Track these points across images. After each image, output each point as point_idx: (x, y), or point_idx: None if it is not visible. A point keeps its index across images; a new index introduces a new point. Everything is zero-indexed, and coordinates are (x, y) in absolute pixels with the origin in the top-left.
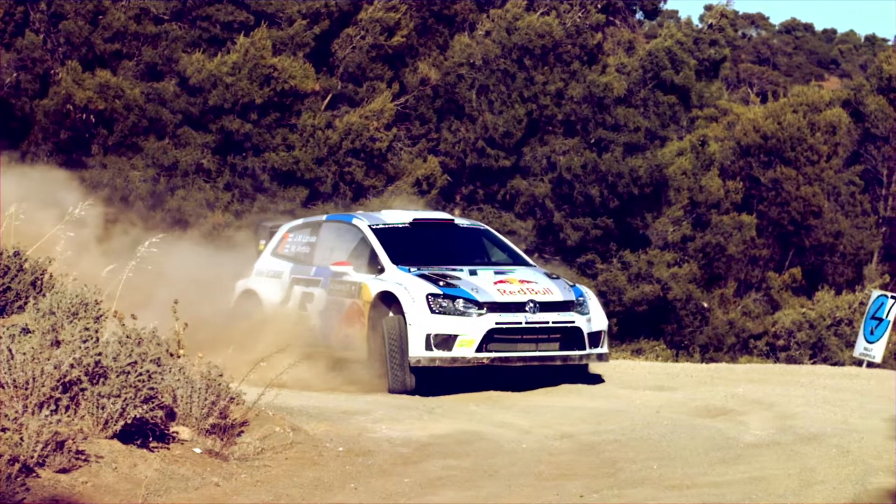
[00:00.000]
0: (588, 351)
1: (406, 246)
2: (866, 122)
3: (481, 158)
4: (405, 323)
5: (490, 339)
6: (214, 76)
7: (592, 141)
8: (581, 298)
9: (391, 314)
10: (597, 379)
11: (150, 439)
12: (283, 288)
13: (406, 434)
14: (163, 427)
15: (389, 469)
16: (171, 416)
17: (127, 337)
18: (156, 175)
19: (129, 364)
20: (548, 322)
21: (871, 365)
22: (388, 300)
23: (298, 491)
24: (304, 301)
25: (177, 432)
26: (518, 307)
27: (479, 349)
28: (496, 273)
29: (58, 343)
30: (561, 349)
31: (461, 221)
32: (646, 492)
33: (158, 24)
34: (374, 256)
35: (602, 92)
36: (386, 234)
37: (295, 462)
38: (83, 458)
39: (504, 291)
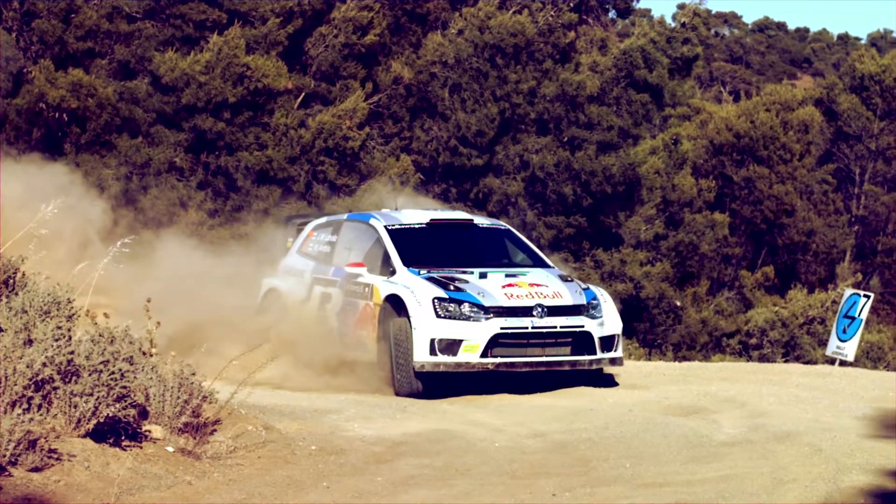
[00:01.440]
0: (599, 356)
1: (421, 247)
2: (839, 120)
3: (454, 157)
4: (410, 327)
5: (495, 344)
6: (187, 75)
7: (565, 139)
8: (594, 301)
9: (398, 317)
10: (606, 380)
11: (123, 438)
12: (305, 287)
13: (379, 432)
14: (135, 426)
15: (362, 467)
16: (143, 414)
17: (100, 335)
18: (128, 173)
19: (101, 363)
20: (555, 327)
21: (843, 363)
22: (395, 303)
23: (271, 489)
24: (323, 301)
25: (149, 431)
26: (525, 312)
27: (483, 354)
28: (507, 276)
29: (30, 342)
30: (569, 354)
31: (481, 221)
32: (618, 490)
33: (131, 23)
34: (386, 258)
35: (575, 90)
36: (401, 235)
37: (267, 461)
38: (56, 456)
39: (511, 295)
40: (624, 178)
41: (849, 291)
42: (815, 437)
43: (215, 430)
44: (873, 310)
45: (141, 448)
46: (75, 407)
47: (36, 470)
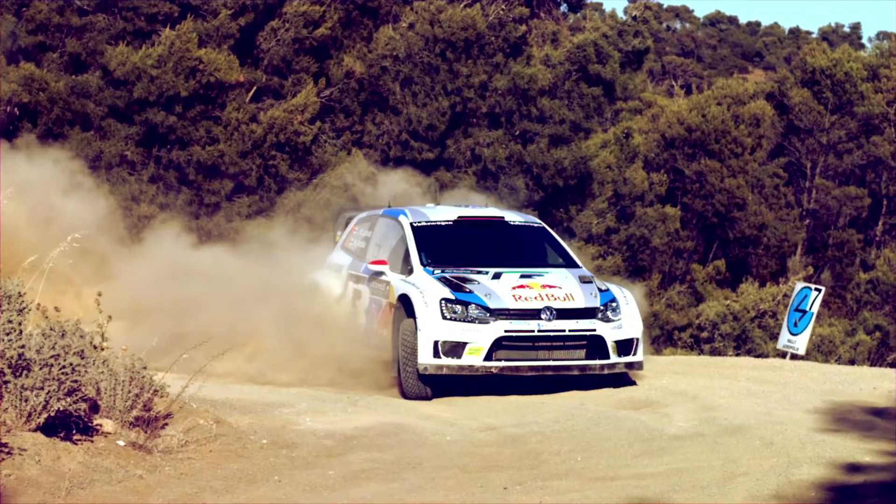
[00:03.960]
0: (613, 360)
1: (444, 245)
2: (790, 114)
3: (405, 151)
4: (416, 328)
5: (499, 347)
6: (139, 69)
7: (517, 133)
8: (612, 304)
9: (407, 318)
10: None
11: (74, 432)
12: (342, 283)
13: (330, 426)
14: (86, 420)
15: (313, 461)
16: (94, 408)
17: (51, 329)
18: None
19: (52, 356)
20: (564, 330)
21: (794, 357)
22: (406, 303)
23: (222, 483)
24: (355, 298)
25: (100, 425)
26: (532, 314)
27: (487, 357)
28: (521, 277)
29: None
30: (578, 358)
31: (513, 218)
32: (570, 483)
33: (83, 16)
34: (407, 256)
35: (526, 84)
36: (425, 233)
37: (219, 454)
38: (6, 450)
39: (519, 297)
40: (575, 172)
41: (800, 285)
42: (767, 431)
43: (166, 424)
44: (824, 303)
45: (92, 442)
46: (26, 401)
47: None
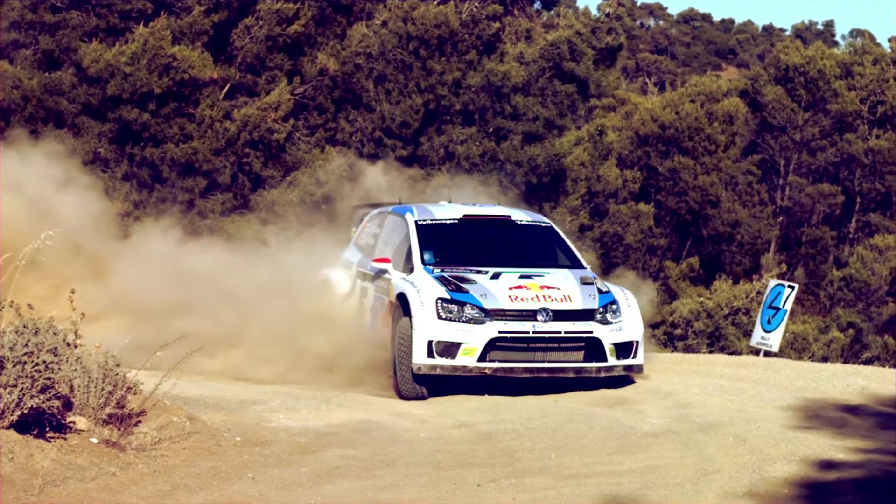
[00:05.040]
0: (611, 363)
1: (448, 244)
2: (764, 111)
3: (379, 148)
4: (411, 327)
5: (492, 348)
6: (112, 66)
7: (490, 130)
8: (613, 306)
9: (403, 317)
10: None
11: (47, 429)
12: (351, 280)
13: (303, 423)
14: (60, 417)
15: (287, 458)
16: (68, 406)
17: (24, 327)
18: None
19: (25, 354)
20: (560, 332)
21: (768, 354)
22: (403, 302)
23: (195, 480)
24: (362, 296)
25: (74, 422)
26: (528, 315)
27: (481, 358)
28: (521, 277)
29: None
30: (574, 360)
31: (520, 217)
32: (543, 481)
33: (56, 13)
34: (409, 254)
35: (500, 81)
36: (429, 231)
37: (192, 452)
38: None
39: (515, 298)
40: (549, 169)
41: (773, 282)
42: (740, 428)
43: (140, 422)
44: (797, 300)
45: (65, 439)
46: None
47: None
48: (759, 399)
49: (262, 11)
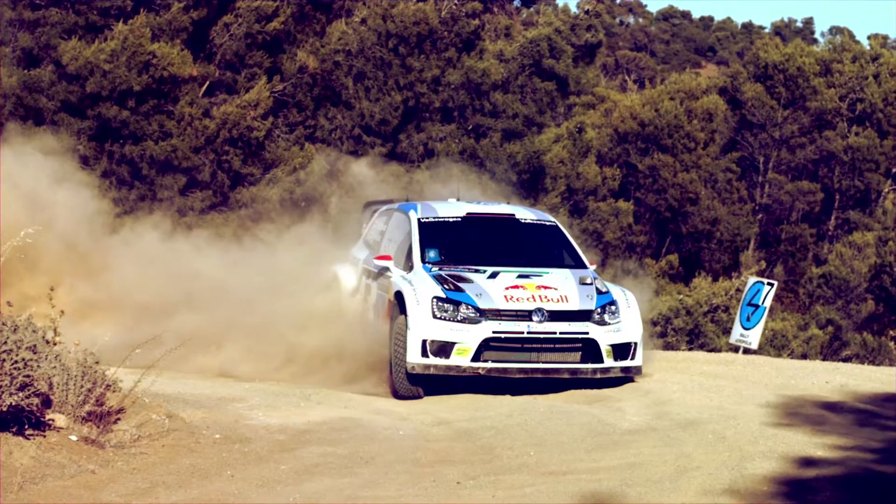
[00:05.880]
0: (607, 364)
1: (449, 242)
2: (743, 109)
3: (358, 145)
4: (406, 326)
5: (486, 348)
6: (92, 63)
7: (470, 127)
8: (611, 307)
9: (400, 315)
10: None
11: (26, 427)
12: (357, 276)
13: (283, 421)
14: (39, 415)
15: (266, 456)
16: (47, 403)
17: (3, 324)
18: None
19: (4, 352)
20: (554, 332)
21: (747, 351)
22: (400, 300)
23: (175, 478)
24: (366, 293)
25: (53, 420)
26: (523, 315)
27: (474, 358)
28: (519, 277)
29: None
30: (570, 361)
31: (525, 216)
32: (523, 478)
33: (35, 11)
34: (410, 252)
35: (479, 78)
36: (431, 229)
37: (171, 449)
38: None
39: (510, 298)
40: (528, 167)
41: (752, 279)
42: (719, 425)
43: (119, 419)
44: (777, 298)
45: (44, 437)
46: None
47: None
48: (738, 396)
49: (242, 9)
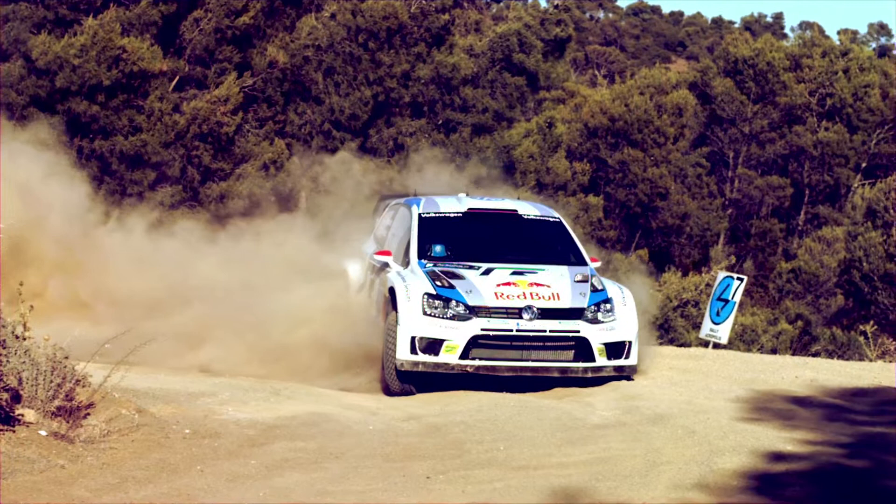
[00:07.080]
0: (599, 363)
1: (448, 238)
2: (713, 104)
3: (328, 140)
4: (396, 322)
5: (475, 345)
6: (61, 58)
7: (440, 122)
8: (606, 305)
9: (392, 311)
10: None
11: None
12: (364, 271)
13: (253, 416)
14: (8, 410)
15: (236, 451)
16: (16, 398)
17: None
18: None
19: None
20: (544, 330)
21: (717, 346)
22: (393, 296)
23: (144, 473)
24: (370, 288)
25: (22, 415)
26: (513, 313)
27: (463, 356)
28: (512, 273)
29: None
30: (561, 360)
31: (528, 211)
32: (492, 472)
33: (5, 5)
34: (408, 247)
35: (449, 73)
36: (431, 224)
37: (141, 444)
38: None
39: (501, 295)
40: (498, 161)
41: (722, 274)
42: (689, 420)
43: (89, 414)
44: (747, 292)
45: (14, 432)
46: None
47: None
48: (707, 391)
49: (211, 3)
